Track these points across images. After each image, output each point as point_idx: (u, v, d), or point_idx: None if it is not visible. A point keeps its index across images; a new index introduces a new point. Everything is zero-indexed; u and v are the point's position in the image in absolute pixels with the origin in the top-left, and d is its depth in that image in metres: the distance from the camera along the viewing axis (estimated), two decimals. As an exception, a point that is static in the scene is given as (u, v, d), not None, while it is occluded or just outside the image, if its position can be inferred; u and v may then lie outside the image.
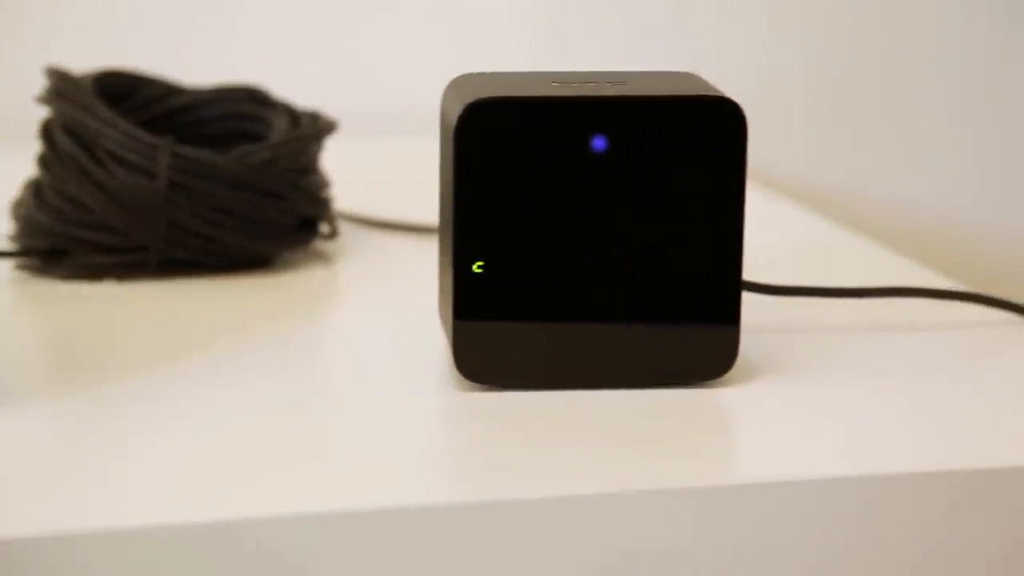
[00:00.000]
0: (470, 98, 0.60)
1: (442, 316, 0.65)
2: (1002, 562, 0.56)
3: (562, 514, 0.53)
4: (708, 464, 0.57)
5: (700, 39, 1.11)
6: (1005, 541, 0.56)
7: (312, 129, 0.79)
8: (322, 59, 1.10)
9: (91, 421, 0.59)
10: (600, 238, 0.61)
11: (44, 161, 0.77)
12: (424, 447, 0.59)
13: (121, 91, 0.81)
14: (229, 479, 0.54)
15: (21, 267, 0.77)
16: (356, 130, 0.90)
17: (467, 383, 0.62)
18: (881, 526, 0.55)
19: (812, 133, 1.12)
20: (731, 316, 0.62)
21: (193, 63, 1.00)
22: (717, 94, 0.61)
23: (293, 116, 0.81)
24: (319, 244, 0.82)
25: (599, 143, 0.60)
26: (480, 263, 0.61)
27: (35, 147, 0.77)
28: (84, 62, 0.82)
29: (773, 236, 0.85)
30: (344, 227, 0.84)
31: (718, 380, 0.62)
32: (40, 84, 0.78)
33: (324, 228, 0.81)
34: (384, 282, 0.79)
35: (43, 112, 0.78)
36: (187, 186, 0.75)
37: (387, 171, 0.98)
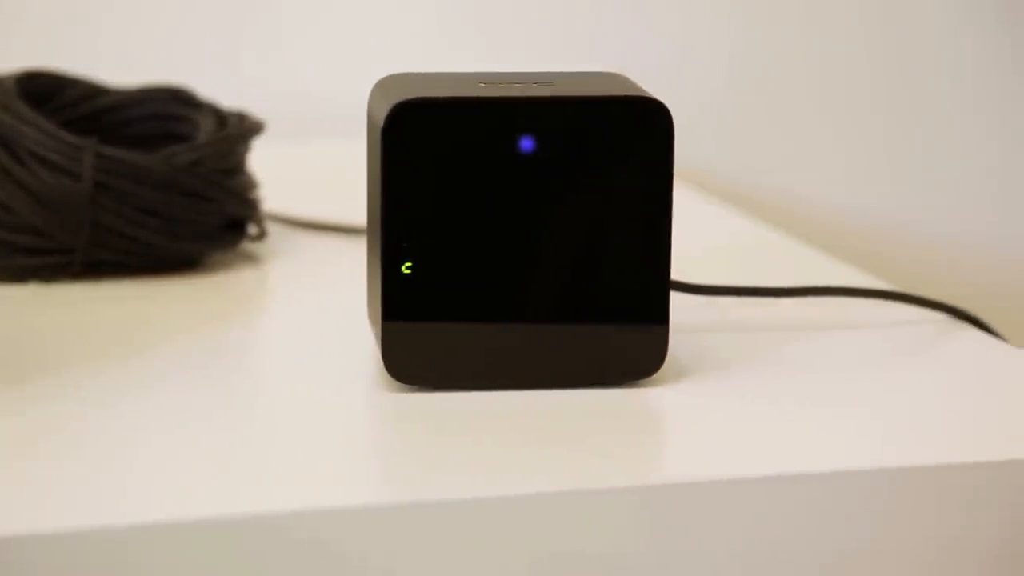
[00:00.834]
0: (397, 99, 0.60)
1: (371, 317, 0.64)
2: (933, 558, 0.56)
3: (491, 514, 0.53)
4: (637, 463, 0.57)
5: (626, 40, 1.11)
6: (932, 538, 0.56)
7: (239, 130, 0.79)
8: (248, 60, 1.09)
9: (10, 423, 0.58)
10: (529, 238, 0.61)
11: (-33, 163, 0.76)
12: (353, 448, 0.59)
13: (45, 92, 0.80)
14: (153, 482, 0.54)
15: (-56, 270, 0.76)
16: (283, 131, 0.90)
17: (396, 384, 0.62)
18: (809, 523, 0.55)
19: (739, 133, 1.13)
20: (660, 316, 0.62)
21: (117, 63, 1.00)
22: (644, 94, 0.61)
23: (219, 117, 0.81)
24: (247, 245, 0.81)
25: (527, 144, 0.60)
26: (408, 264, 0.61)
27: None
28: (6, 63, 0.81)
29: (702, 236, 0.85)
30: (272, 228, 0.84)
31: (648, 379, 0.62)
32: (-38, 85, 0.77)
33: (252, 229, 0.81)
34: (313, 283, 0.79)
35: (-34, 113, 0.77)
36: (112, 187, 0.75)
37: (315, 172, 0.98)
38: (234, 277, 0.78)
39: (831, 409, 0.62)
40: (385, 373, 0.61)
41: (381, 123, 0.60)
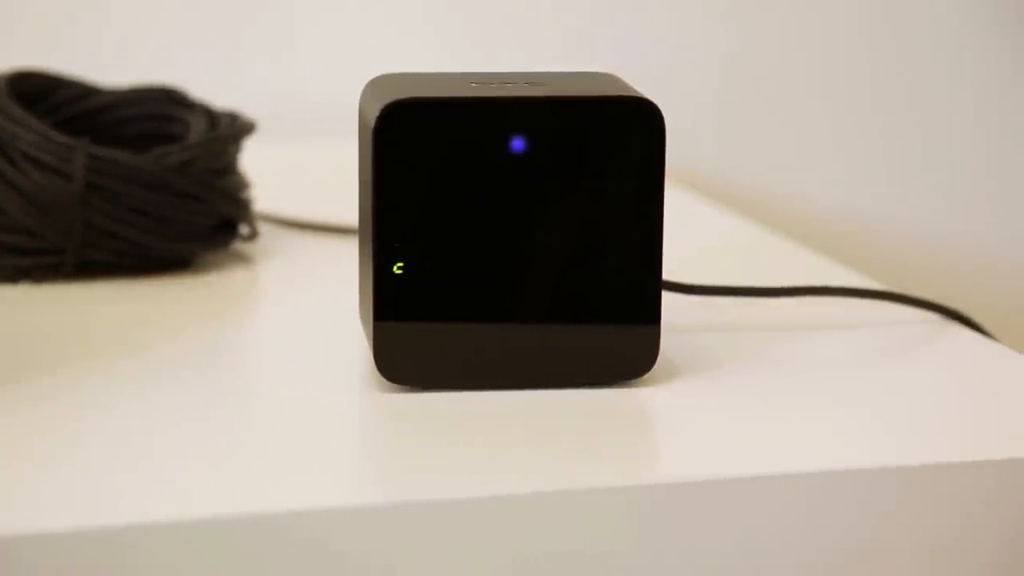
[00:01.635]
0: (389, 99, 0.60)
1: (362, 317, 0.64)
2: (927, 557, 0.57)
3: (483, 514, 0.53)
4: (630, 463, 0.57)
5: (619, 40, 1.11)
6: (926, 538, 0.56)
7: (230, 130, 0.79)
8: (241, 60, 1.09)
9: (3, 423, 0.58)
10: (520, 238, 0.61)
11: (-42, 163, 0.76)
12: (344, 448, 0.59)
13: (36, 92, 0.80)
14: (146, 482, 0.54)
15: (-65, 270, 0.76)
16: (275, 132, 0.90)
17: (388, 384, 0.62)
18: (802, 523, 0.55)
19: (732, 133, 1.13)
20: (652, 316, 0.62)
21: (110, 63, 1.00)
22: (635, 94, 0.61)
23: (211, 117, 0.81)
24: (239, 245, 0.81)
25: (518, 144, 0.60)
26: (400, 264, 0.61)
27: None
28: (-2, 63, 0.82)
29: (694, 236, 0.85)
30: (264, 228, 0.84)
31: (639, 379, 0.62)
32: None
33: (244, 229, 0.81)
34: (304, 283, 0.78)
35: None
36: (104, 187, 0.75)
37: (306, 172, 0.98)
38: (226, 277, 0.78)
39: (824, 409, 0.62)
40: (377, 373, 0.61)
41: (372, 123, 0.60)
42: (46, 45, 1.06)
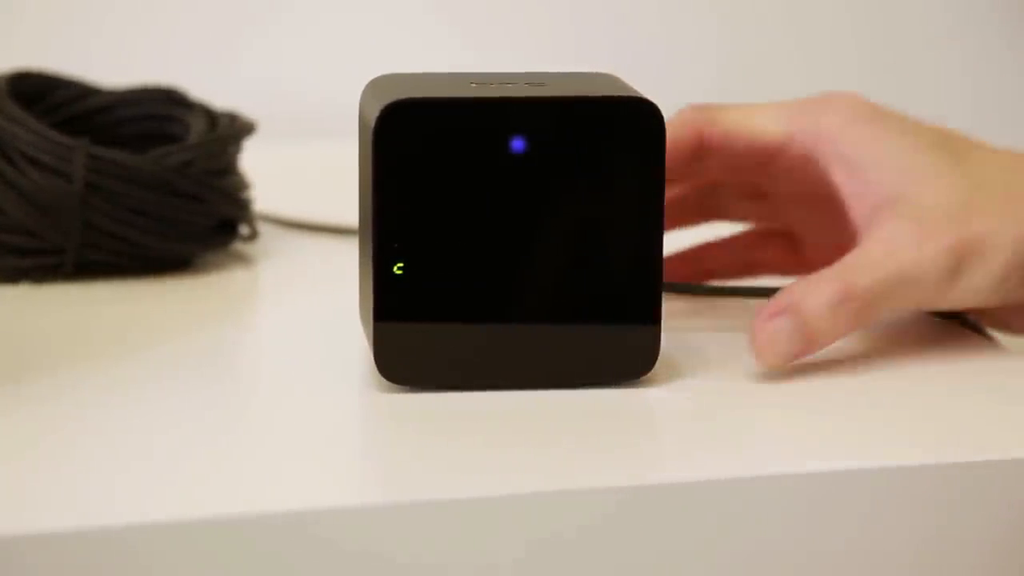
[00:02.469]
0: (389, 99, 0.60)
1: (363, 317, 0.64)
2: (927, 558, 0.57)
3: (484, 514, 0.53)
4: (630, 463, 0.57)
5: (618, 40, 1.11)
6: (928, 539, 0.56)
7: (230, 130, 0.79)
8: (240, 60, 1.09)
9: (2, 423, 0.58)
10: (520, 239, 0.61)
11: (-43, 164, 0.76)
12: (345, 448, 0.59)
13: (36, 92, 0.80)
14: (145, 483, 0.54)
15: (-66, 271, 0.76)
16: (275, 132, 0.90)
17: (388, 384, 0.62)
18: (804, 523, 0.55)
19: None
20: (652, 316, 0.62)
21: (110, 63, 1.00)
22: (635, 94, 0.61)
23: (211, 117, 0.81)
24: (239, 246, 0.81)
25: (518, 144, 0.60)
26: (400, 264, 0.61)
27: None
28: (-3, 63, 0.82)
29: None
30: (264, 229, 0.84)
31: (640, 380, 0.62)
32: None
33: (244, 230, 0.81)
34: (305, 283, 0.78)
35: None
36: (104, 188, 0.74)
37: (306, 173, 0.98)
38: (226, 278, 0.78)
39: (824, 409, 0.62)
40: (377, 373, 0.61)
41: (372, 123, 0.60)
42: (46, 45, 1.06)
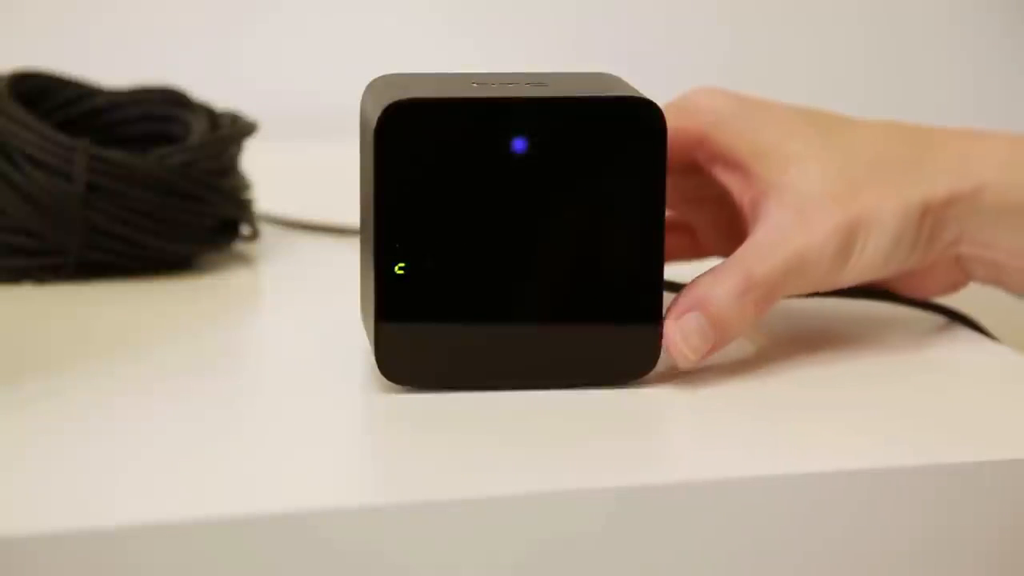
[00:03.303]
0: (389, 99, 0.60)
1: (364, 317, 0.64)
2: (928, 558, 0.57)
3: (485, 514, 0.53)
4: (630, 463, 0.57)
5: (619, 40, 1.11)
6: (927, 539, 0.56)
7: (231, 131, 0.79)
8: (242, 61, 1.09)
9: (4, 424, 0.58)
10: (522, 239, 0.61)
11: (-41, 164, 0.76)
12: (346, 448, 0.59)
13: (37, 92, 0.80)
14: (147, 483, 0.54)
15: (-64, 271, 0.76)
16: (276, 132, 0.90)
17: (389, 384, 0.62)
18: (804, 523, 0.55)
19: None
20: (653, 316, 0.62)
21: (111, 64, 1.00)
22: (636, 94, 0.61)
23: (212, 118, 0.81)
24: (240, 246, 0.81)
25: (520, 144, 0.60)
26: (402, 265, 0.61)
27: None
28: (-1, 64, 0.82)
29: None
30: (265, 229, 0.84)
31: (641, 380, 0.62)
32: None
33: (245, 230, 0.81)
34: (306, 284, 0.78)
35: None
36: (105, 188, 0.75)
37: (308, 173, 0.98)
38: (227, 278, 0.78)
39: (825, 410, 0.62)
40: (378, 373, 0.61)
41: (373, 124, 0.60)
42: (47, 45, 1.06)
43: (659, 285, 0.62)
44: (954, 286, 0.70)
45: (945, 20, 1.09)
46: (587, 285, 0.61)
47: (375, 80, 0.64)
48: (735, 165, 0.67)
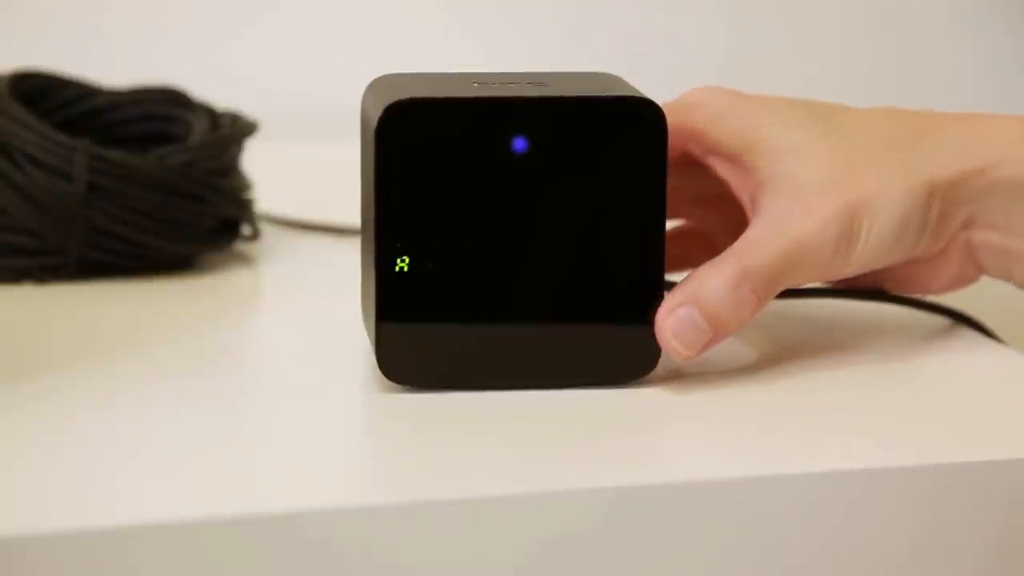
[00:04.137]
0: (390, 99, 0.60)
1: (364, 317, 0.64)
2: (930, 558, 0.56)
3: (486, 514, 0.53)
4: (631, 464, 0.57)
5: (620, 39, 1.11)
6: (928, 539, 0.56)
7: (232, 130, 0.79)
8: (242, 60, 1.09)
9: (5, 424, 0.58)
10: (522, 239, 0.61)
11: (-41, 164, 0.76)
12: (346, 448, 0.59)
13: (38, 92, 0.80)
14: (147, 483, 0.54)
15: (-63, 271, 0.76)
16: (277, 132, 0.90)
17: (390, 384, 0.62)
18: (805, 523, 0.55)
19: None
20: (654, 316, 0.62)
21: (111, 63, 1.00)
22: (637, 94, 0.61)
23: (213, 117, 0.81)
24: (241, 246, 0.81)
25: (520, 144, 0.60)
26: (402, 265, 0.60)
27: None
28: None
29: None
30: (266, 229, 0.84)
31: (641, 380, 0.62)
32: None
33: (246, 230, 0.81)
34: (306, 284, 0.78)
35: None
36: (106, 188, 0.74)
37: (308, 173, 0.98)
38: (228, 278, 0.78)
39: (826, 410, 0.61)
40: (379, 373, 0.61)
41: (374, 123, 0.60)
42: (47, 45, 1.06)
43: (660, 285, 0.62)
44: (965, 279, 0.68)
45: (946, 20, 1.09)
46: (587, 285, 0.61)
47: (376, 80, 0.64)
48: (732, 159, 0.66)
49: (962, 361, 0.67)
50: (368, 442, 0.60)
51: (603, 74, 0.65)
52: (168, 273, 0.77)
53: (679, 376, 0.63)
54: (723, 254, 0.63)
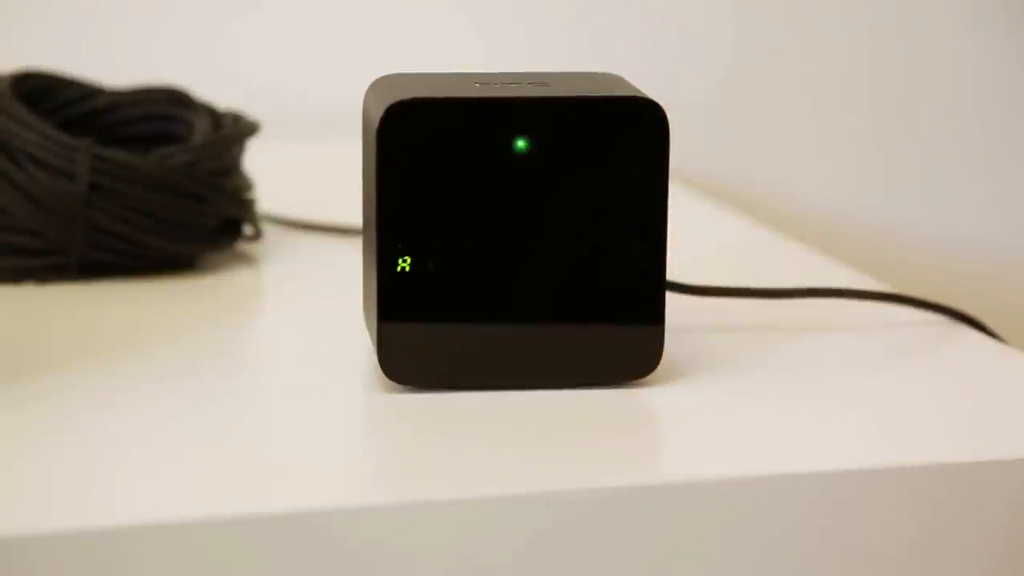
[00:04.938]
0: (392, 99, 0.60)
1: (366, 317, 0.64)
2: (931, 557, 0.56)
3: (487, 514, 0.53)
4: (632, 464, 0.57)
5: (621, 39, 1.11)
6: (929, 538, 0.56)
7: (234, 130, 0.79)
8: (244, 60, 1.09)
9: (6, 423, 0.58)
10: (524, 238, 0.61)
11: (-38, 164, 0.76)
12: (348, 448, 0.59)
13: (40, 92, 0.80)
14: (148, 483, 0.54)
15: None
16: (279, 132, 0.90)
17: (392, 384, 0.62)
18: (806, 523, 0.55)
19: (735, 133, 1.13)
20: (655, 316, 0.62)
21: (113, 63, 1.00)
22: (639, 95, 0.61)
23: (215, 118, 0.81)
24: (243, 246, 0.81)
25: (522, 144, 0.60)
26: (404, 265, 0.60)
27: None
28: (1, 63, 0.81)
29: (698, 237, 0.85)
30: (268, 229, 0.84)
31: (643, 380, 0.62)
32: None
33: (247, 230, 0.81)
34: (308, 283, 0.78)
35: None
36: (108, 188, 0.74)
37: (310, 173, 0.98)
38: (229, 278, 0.78)
39: (827, 410, 0.61)
40: (380, 373, 0.61)
41: (376, 123, 0.60)
42: (49, 45, 1.06)
43: (662, 286, 0.62)
44: None
45: (946, 20, 1.09)
46: (589, 285, 0.61)
47: (378, 80, 0.64)
48: None
49: (962, 361, 0.67)
50: (369, 442, 0.60)
51: (605, 74, 0.65)
52: (170, 273, 0.77)
53: (680, 376, 0.63)
54: None
